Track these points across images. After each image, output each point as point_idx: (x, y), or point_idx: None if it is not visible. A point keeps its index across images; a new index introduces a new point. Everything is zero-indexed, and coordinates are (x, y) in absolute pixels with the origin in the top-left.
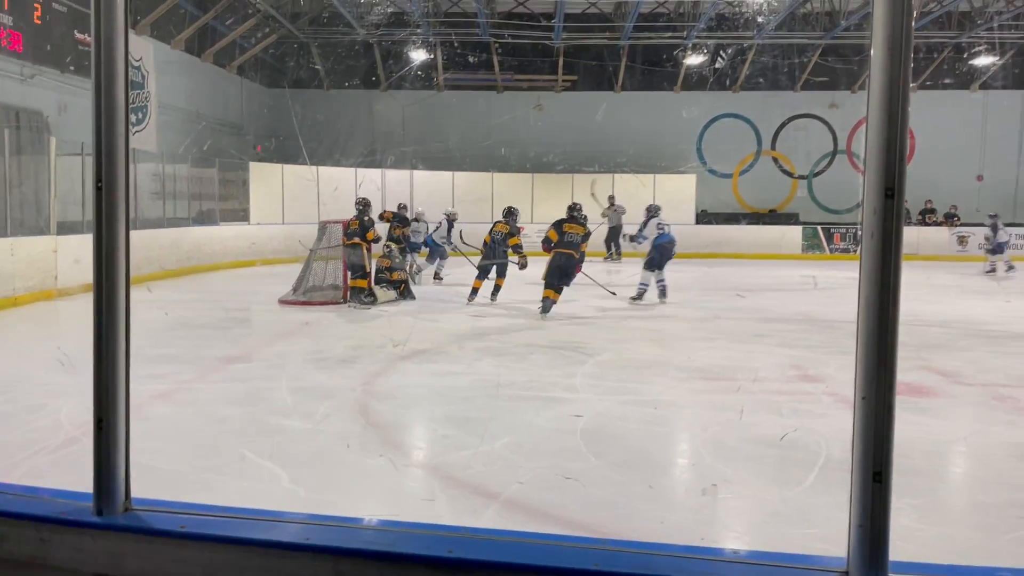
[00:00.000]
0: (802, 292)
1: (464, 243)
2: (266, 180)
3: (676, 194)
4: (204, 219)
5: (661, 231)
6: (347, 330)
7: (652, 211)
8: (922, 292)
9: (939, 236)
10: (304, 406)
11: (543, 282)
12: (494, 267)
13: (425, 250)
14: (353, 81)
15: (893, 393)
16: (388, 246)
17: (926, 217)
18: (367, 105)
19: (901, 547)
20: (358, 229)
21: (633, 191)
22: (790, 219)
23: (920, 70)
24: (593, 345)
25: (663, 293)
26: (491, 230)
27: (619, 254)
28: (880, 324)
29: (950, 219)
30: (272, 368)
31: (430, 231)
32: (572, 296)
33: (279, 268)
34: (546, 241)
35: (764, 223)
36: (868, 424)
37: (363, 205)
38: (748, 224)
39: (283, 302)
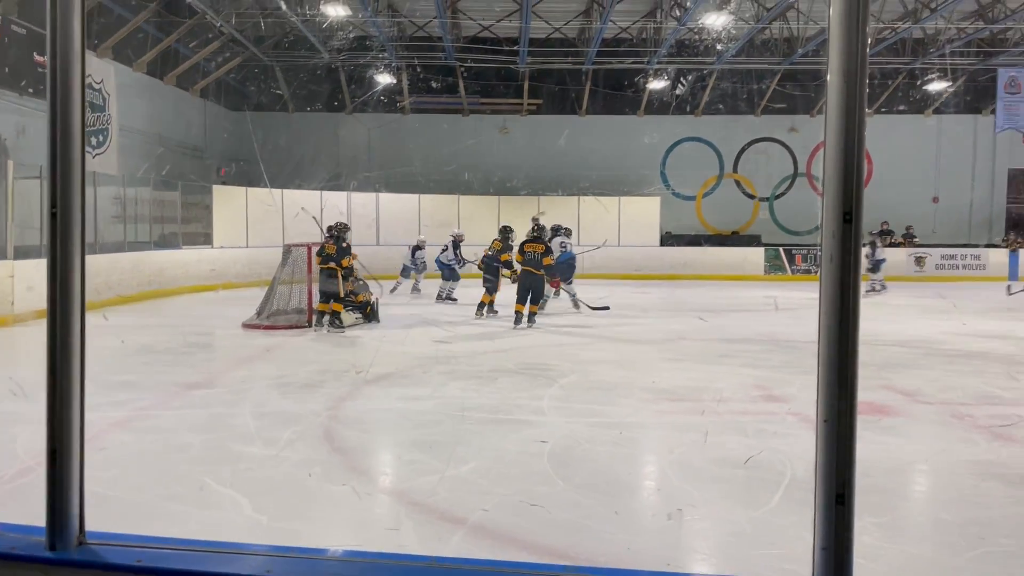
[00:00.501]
0: (765, 313)
1: (470, 261)
2: (229, 203)
3: (641, 216)
4: (166, 243)
5: (564, 249)
6: (312, 354)
7: (556, 231)
8: (882, 312)
9: (897, 257)
10: (267, 432)
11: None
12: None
13: (422, 273)
14: (317, 105)
15: (854, 416)
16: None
17: (883, 239)
18: (332, 129)
19: (865, 566)
20: (335, 254)
21: (601, 213)
22: (752, 241)
23: (876, 96)
24: (560, 367)
25: (576, 305)
26: (489, 247)
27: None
28: (841, 348)
29: (907, 239)
30: (235, 394)
31: (438, 254)
32: (539, 318)
33: (243, 292)
34: (507, 264)
35: (727, 245)
36: (830, 447)
37: (340, 230)
38: (711, 246)
39: (247, 326)
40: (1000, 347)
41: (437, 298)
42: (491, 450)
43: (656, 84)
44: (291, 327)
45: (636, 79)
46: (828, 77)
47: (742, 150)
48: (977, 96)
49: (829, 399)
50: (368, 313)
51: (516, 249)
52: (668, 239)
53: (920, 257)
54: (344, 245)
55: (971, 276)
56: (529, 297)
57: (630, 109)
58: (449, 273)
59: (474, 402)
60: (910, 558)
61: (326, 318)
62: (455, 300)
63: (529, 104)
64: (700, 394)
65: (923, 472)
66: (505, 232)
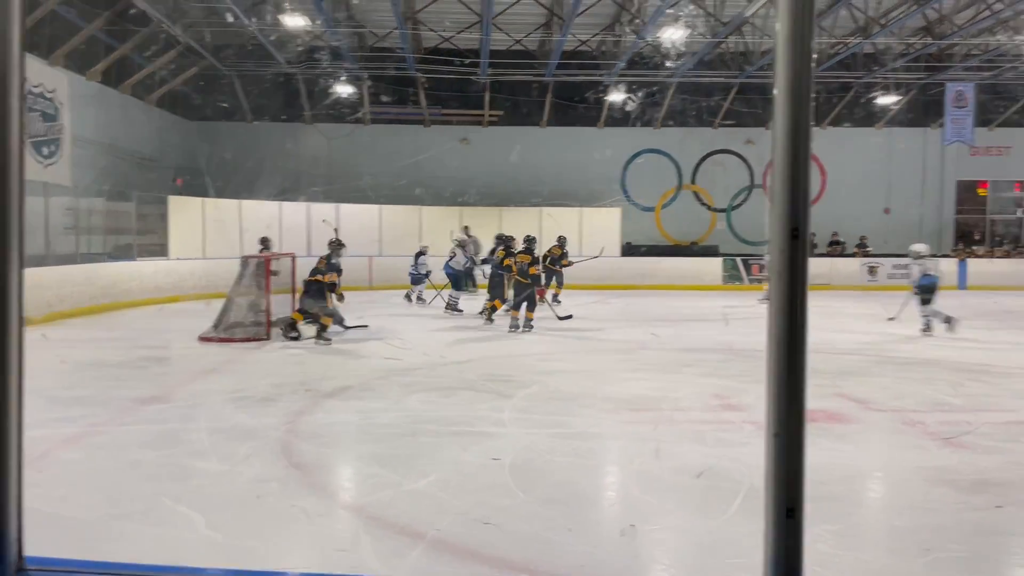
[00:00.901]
0: (723, 322)
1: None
2: (186, 214)
3: (602, 227)
4: (121, 254)
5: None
6: (270, 368)
7: (500, 241)
8: (836, 321)
9: (850, 267)
10: (223, 447)
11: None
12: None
13: (422, 283)
14: (277, 114)
15: (803, 430)
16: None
17: (834, 249)
18: (291, 139)
19: (820, 573)
20: (324, 267)
21: (562, 223)
22: (710, 251)
23: (828, 109)
24: (521, 378)
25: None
26: (515, 261)
27: (474, 285)
28: (789, 362)
29: (861, 248)
30: (190, 408)
31: (446, 260)
32: (498, 329)
33: (200, 304)
34: (506, 269)
35: (686, 255)
36: (780, 461)
37: (337, 244)
38: (670, 256)
39: (203, 339)
40: (950, 355)
41: (447, 308)
42: (451, 463)
43: (615, 97)
44: (249, 340)
45: (596, 92)
46: (775, 95)
47: (700, 162)
48: (926, 110)
49: (778, 413)
50: (319, 333)
51: (511, 260)
52: (629, 249)
53: (872, 267)
54: (333, 262)
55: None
56: (525, 305)
57: (590, 121)
58: (456, 281)
59: (434, 414)
60: (863, 565)
61: (309, 328)
62: (460, 311)
63: (490, 115)
64: (659, 404)
65: (876, 479)
66: (529, 242)
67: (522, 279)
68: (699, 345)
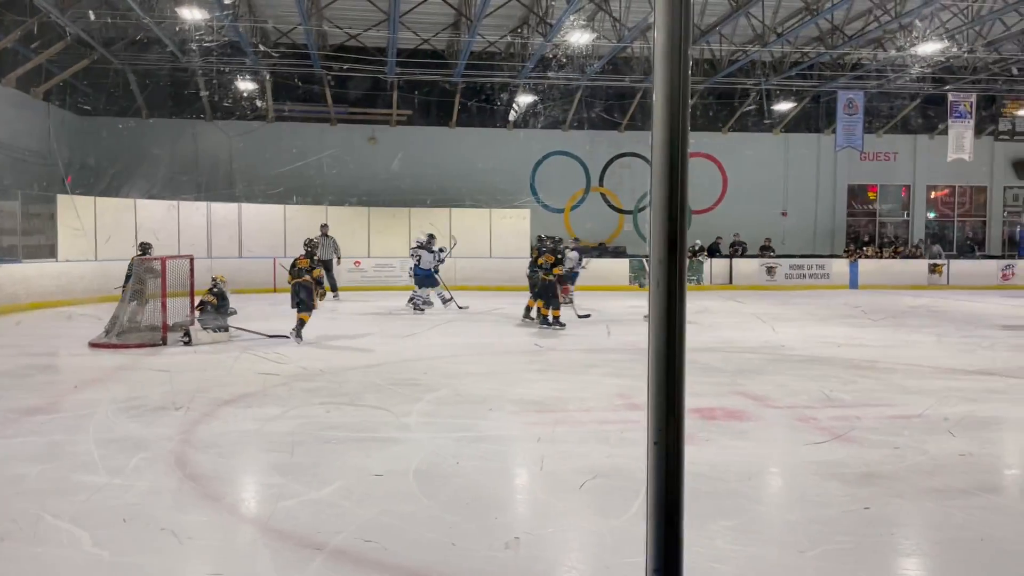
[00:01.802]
0: (630, 323)
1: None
2: (76, 213)
3: (512, 228)
4: (5, 256)
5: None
6: (165, 375)
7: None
8: (736, 320)
9: (750, 267)
10: (112, 460)
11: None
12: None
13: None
14: (176, 111)
15: (682, 439)
16: (215, 280)
17: (735, 250)
18: (191, 136)
19: (717, 568)
20: (309, 267)
21: (473, 224)
22: (618, 252)
23: (728, 115)
24: (428, 382)
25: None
26: (534, 261)
27: (334, 288)
28: (669, 371)
29: (765, 251)
30: (78, 419)
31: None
32: (413, 331)
33: (91, 308)
34: (561, 277)
35: (594, 256)
36: (660, 468)
37: (314, 246)
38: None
39: (94, 345)
40: (842, 352)
41: (408, 301)
42: (354, 470)
43: (524, 99)
44: (143, 345)
45: (505, 93)
46: (653, 105)
47: (607, 164)
48: (819, 117)
49: (658, 422)
50: (187, 336)
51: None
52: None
53: (771, 267)
54: (316, 258)
55: (816, 284)
56: (543, 302)
57: (499, 122)
58: (424, 280)
59: (337, 421)
60: (758, 559)
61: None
62: (422, 310)
63: (398, 115)
64: (566, 404)
65: (772, 474)
66: (555, 244)
67: (547, 277)
68: (605, 345)
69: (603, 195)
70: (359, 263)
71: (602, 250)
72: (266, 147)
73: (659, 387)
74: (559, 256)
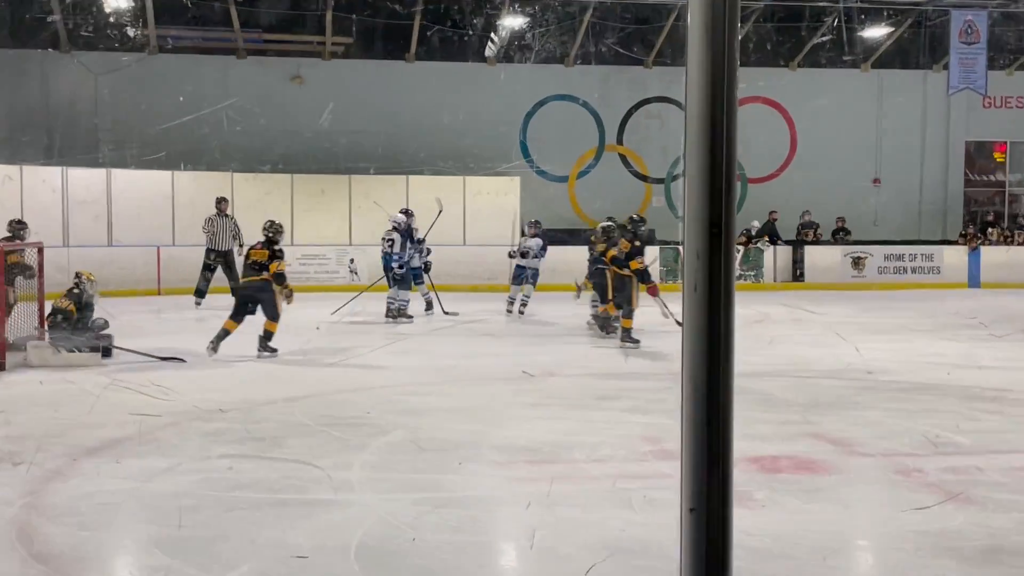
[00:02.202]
0: (662, 335)
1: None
2: None
3: (493, 204)
4: None
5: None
6: (5, 411)
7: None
8: (809, 333)
9: (829, 258)
10: None
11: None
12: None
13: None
14: (16, 38)
15: (730, 499)
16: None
17: (806, 234)
18: (38, 74)
19: None
20: (267, 259)
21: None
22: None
23: (799, 45)
24: (379, 420)
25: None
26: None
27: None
28: (711, 407)
29: (839, 236)
30: None
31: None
32: (355, 348)
33: None
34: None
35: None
36: (698, 543)
37: (276, 231)
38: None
39: None
40: (956, 378)
41: (387, 314)
42: (270, 548)
43: (511, 21)
44: None
45: (484, 14)
46: (688, 31)
47: (629, 113)
48: (925, 46)
49: (695, 479)
50: (104, 349)
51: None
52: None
53: (858, 258)
54: (277, 249)
55: (921, 282)
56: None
57: (476, 55)
58: (400, 277)
59: (247, 477)
60: None
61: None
62: (410, 318)
63: (334, 44)
64: (571, 452)
65: (861, 550)
66: (635, 225)
67: (619, 271)
68: (628, 368)
69: (623, 157)
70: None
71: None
72: (145, 90)
73: (696, 431)
74: (639, 243)
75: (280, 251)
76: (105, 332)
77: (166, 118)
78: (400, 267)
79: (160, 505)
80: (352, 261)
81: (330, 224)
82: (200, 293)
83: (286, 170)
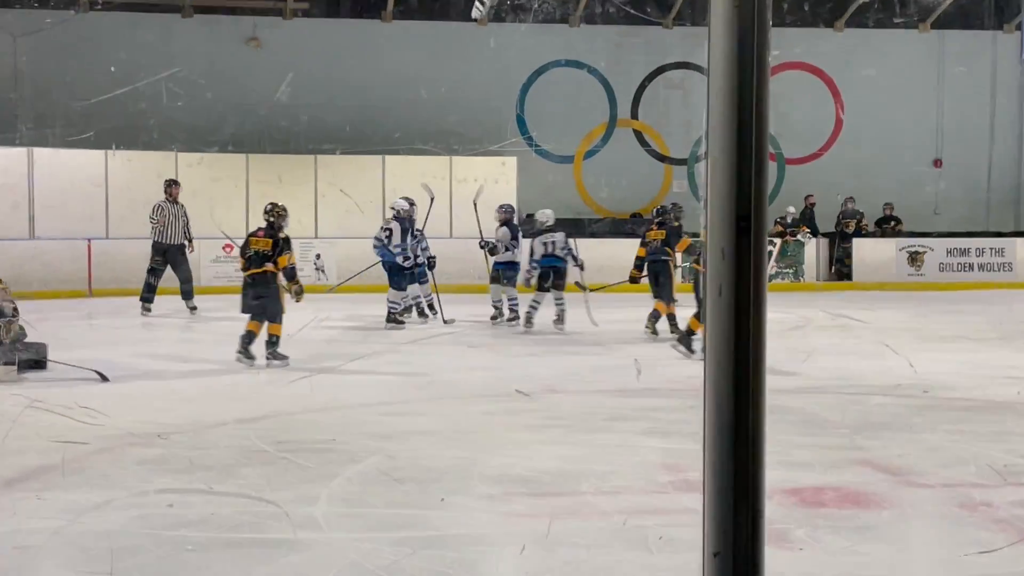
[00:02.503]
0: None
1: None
2: None
3: (485, 189)
4: None
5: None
6: None
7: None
8: (856, 341)
9: (881, 253)
10: None
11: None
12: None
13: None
14: None
15: (761, 543)
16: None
17: (847, 224)
18: None
19: None
20: (270, 249)
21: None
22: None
23: (843, 1)
24: (348, 446)
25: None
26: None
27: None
28: (737, 429)
29: (886, 226)
30: None
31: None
32: (322, 361)
33: None
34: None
35: (624, 235)
36: None
37: (279, 216)
38: (599, 236)
39: None
40: None
41: (390, 318)
42: None
43: None
44: None
45: None
46: None
47: (645, 82)
48: (995, 3)
49: (720, 518)
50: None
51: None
52: (531, 226)
53: (916, 253)
54: (282, 237)
55: (991, 282)
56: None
57: (463, 13)
58: (396, 274)
59: (195, 513)
60: None
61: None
62: (402, 324)
63: (296, 0)
64: (576, 483)
65: None
66: (665, 213)
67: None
68: (644, 384)
69: (638, 134)
70: (230, 248)
71: (637, 225)
72: (73, 56)
73: (721, 458)
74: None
75: (287, 240)
76: (29, 341)
77: (97, 90)
78: (405, 259)
79: (90, 547)
80: (318, 257)
81: (291, 214)
82: (147, 299)
83: (238, 151)
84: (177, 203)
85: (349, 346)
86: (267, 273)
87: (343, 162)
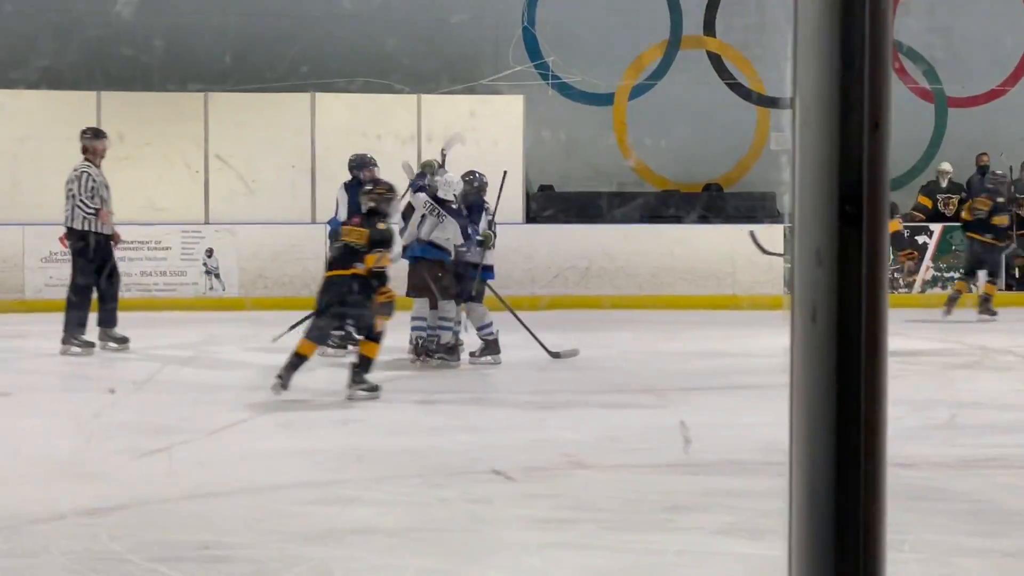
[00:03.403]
0: (782, 388)
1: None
2: None
3: (481, 139)
4: None
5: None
6: None
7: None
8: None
9: None
10: None
11: None
12: None
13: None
14: None
15: None
16: None
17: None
18: None
19: None
20: (367, 244)
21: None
22: (757, 206)
23: None
24: (258, 550)
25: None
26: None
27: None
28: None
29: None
30: None
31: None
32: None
33: None
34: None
35: (690, 218)
36: None
37: (382, 197)
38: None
39: None
40: None
41: (424, 353)
42: None
43: None
44: None
45: None
46: None
47: None
48: None
49: None
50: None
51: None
52: (545, 201)
53: None
54: (384, 230)
55: None
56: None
57: None
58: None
59: None
60: None
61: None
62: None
63: None
64: None
65: None
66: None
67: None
68: (725, 447)
69: (715, 58)
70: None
71: (711, 203)
72: None
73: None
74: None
75: (388, 232)
76: None
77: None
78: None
79: None
80: (210, 254)
81: (164, 188)
82: (82, 322)
83: (187, 84)
84: (96, 165)
85: (256, 393)
86: (356, 275)
87: (286, 99)
